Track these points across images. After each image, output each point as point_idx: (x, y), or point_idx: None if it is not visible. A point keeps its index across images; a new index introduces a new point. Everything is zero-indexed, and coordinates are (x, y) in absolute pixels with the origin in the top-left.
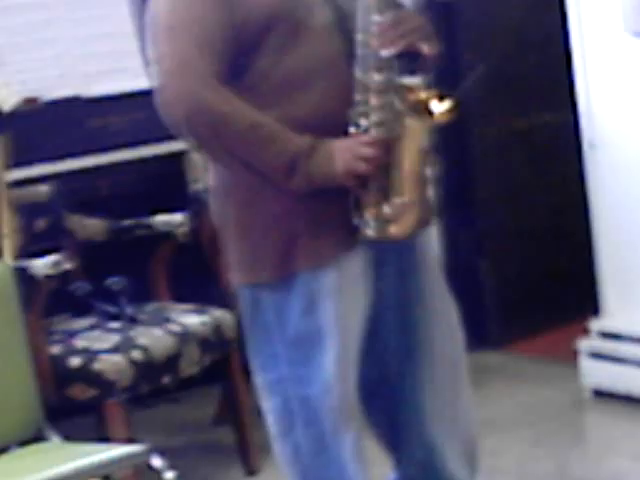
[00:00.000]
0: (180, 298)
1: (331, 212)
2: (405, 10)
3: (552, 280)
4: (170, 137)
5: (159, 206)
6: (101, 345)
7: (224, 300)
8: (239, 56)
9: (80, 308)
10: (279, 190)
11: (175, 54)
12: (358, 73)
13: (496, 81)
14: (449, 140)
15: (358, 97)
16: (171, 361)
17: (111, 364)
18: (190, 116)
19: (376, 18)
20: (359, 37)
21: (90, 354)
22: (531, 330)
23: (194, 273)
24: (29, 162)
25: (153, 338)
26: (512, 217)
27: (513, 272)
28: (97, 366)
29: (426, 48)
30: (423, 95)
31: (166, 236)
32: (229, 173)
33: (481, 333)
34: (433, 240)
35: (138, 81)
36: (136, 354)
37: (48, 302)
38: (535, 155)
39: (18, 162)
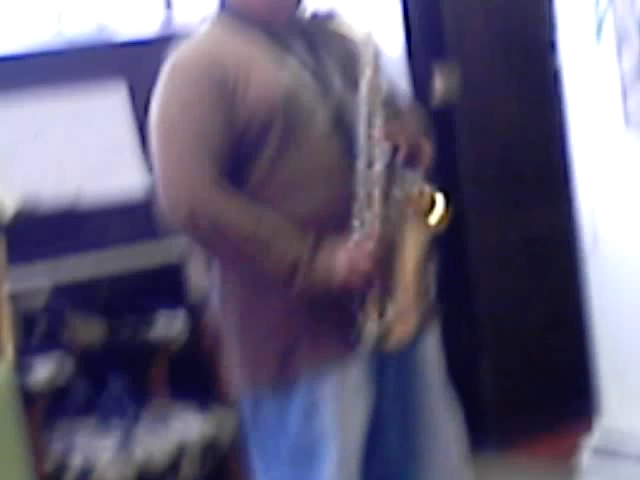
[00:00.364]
0: (181, 398)
1: (333, 319)
2: (405, 106)
3: (552, 378)
4: (170, 237)
5: (159, 306)
6: (101, 450)
7: (225, 402)
8: (240, 157)
9: (80, 410)
10: (280, 294)
11: (176, 155)
12: (360, 167)
13: (495, 180)
14: (448, 236)
15: (360, 190)
16: (171, 465)
17: (111, 471)
18: (192, 217)
19: (379, 112)
20: (361, 130)
21: (90, 460)
22: (531, 428)
23: (194, 374)
24: (28, 264)
25: (154, 441)
26: (511, 316)
27: (513, 369)
28: (97, 474)
29: (425, 145)
30: (424, 200)
31: (166, 338)
32: (230, 275)
33: (480, 432)
34: (434, 341)
35: (138, 184)
36: (136, 457)
37: (48, 403)
38: (535, 252)
39: (17, 263)
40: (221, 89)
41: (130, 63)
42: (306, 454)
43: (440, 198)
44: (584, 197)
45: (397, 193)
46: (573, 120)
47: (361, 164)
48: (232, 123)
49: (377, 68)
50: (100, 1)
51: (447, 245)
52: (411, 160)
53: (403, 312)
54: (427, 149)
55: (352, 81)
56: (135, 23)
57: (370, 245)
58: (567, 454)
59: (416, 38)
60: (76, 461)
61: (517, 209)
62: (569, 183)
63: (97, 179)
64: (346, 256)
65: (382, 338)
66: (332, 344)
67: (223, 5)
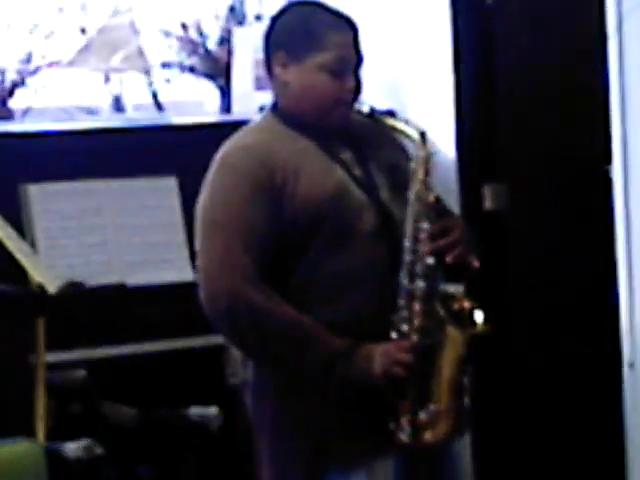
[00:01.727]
0: None
1: (365, 416)
2: (453, 219)
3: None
4: (211, 330)
5: (194, 397)
6: None
7: None
8: (284, 257)
9: None
10: (314, 392)
11: (218, 249)
12: (403, 279)
13: (539, 294)
14: (489, 350)
15: (401, 302)
16: None
17: None
18: (231, 311)
19: (425, 226)
20: (406, 243)
21: None
22: None
23: (225, 467)
24: (68, 345)
25: None
26: (546, 433)
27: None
28: None
29: (471, 260)
30: (466, 304)
31: (199, 429)
32: (267, 372)
33: None
34: (466, 448)
35: (183, 273)
36: None
37: None
38: (571, 370)
39: (57, 344)
40: (267, 187)
41: (183, 148)
42: None
43: (479, 312)
44: (625, 316)
45: (438, 308)
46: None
47: (404, 277)
48: (276, 221)
49: (428, 173)
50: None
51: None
52: (455, 273)
53: (437, 415)
54: (473, 262)
55: (400, 192)
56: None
57: (408, 345)
58: None
59: (467, 156)
60: None
61: (563, 327)
62: (617, 294)
63: (141, 269)
64: (384, 354)
65: (414, 439)
66: (363, 443)
67: (275, 106)
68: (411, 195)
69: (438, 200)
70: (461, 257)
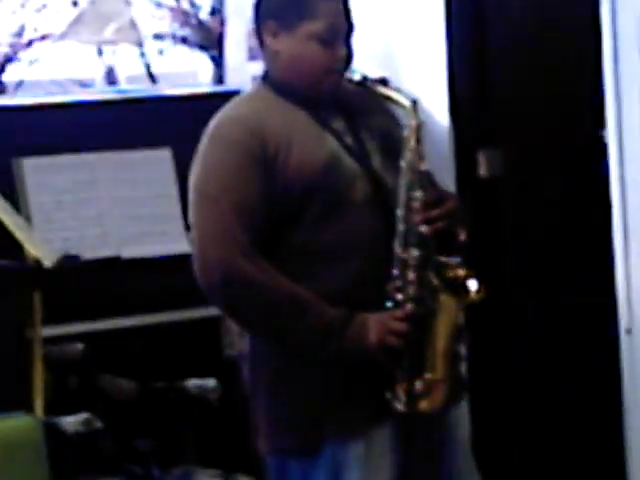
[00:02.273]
0: (208, 463)
1: (361, 385)
2: (444, 190)
3: (581, 464)
4: (207, 302)
5: (191, 369)
6: None
7: (252, 467)
8: (277, 227)
9: (107, 467)
10: (310, 362)
11: (212, 222)
12: (397, 248)
13: (532, 259)
14: (481, 318)
15: (395, 272)
16: None
17: None
18: (225, 283)
19: (418, 195)
20: (399, 212)
21: None
22: None
23: (223, 438)
24: (64, 319)
25: None
26: (543, 398)
27: (542, 458)
28: None
29: (461, 231)
30: (460, 272)
31: (197, 400)
32: (263, 343)
33: None
34: (464, 414)
35: (178, 245)
36: None
37: (76, 460)
38: (569, 337)
39: (54, 318)
40: (259, 158)
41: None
42: None
43: (473, 281)
44: (622, 281)
45: (432, 276)
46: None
47: (397, 246)
48: (269, 192)
49: (420, 142)
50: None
51: (480, 326)
52: (447, 243)
53: (433, 383)
54: (460, 235)
55: (392, 161)
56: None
57: (403, 314)
58: None
59: (462, 122)
60: None
61: (553, 289)
62: (613, 259)
63: (137, 242)
64: (378, 324)
65: (410, 407)
66: (361, 412)
67: (266, 76)
68: (403, 164)
69: (429, 174)
70: (449, 227)
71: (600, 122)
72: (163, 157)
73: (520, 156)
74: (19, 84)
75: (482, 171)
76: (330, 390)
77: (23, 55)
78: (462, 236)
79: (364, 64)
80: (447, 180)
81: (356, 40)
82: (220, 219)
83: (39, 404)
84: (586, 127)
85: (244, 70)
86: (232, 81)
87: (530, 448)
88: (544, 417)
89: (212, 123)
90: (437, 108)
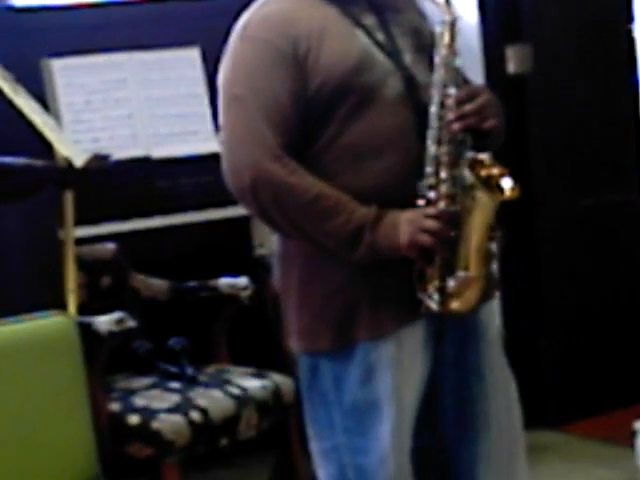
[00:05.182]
0: (240, 361)
1: (393, 283)
2: (477, 85)
3: (612, 361)
4: (237, 202)
5: (223, 269)
6: (160, 404)
7: (284, 365)
8: (307, 125)
9: (141, 366)
10: (341, 261)
11: (241, 123)
12: (430, 145)
13: (562, 157)
14: (514, 216)
15: (428, 169)
16: (229, 424)
17: (169, 424)
18: (254, 186)
19: (451, 91)
20: (432, 109)
21: (149, 413)
22: (588, 410)
23: (255, 337)
24: (96, 220)
25: (212, 400)
26: (575, 296)
27: (573, 351)
28: (155, 425)
29: (495, 126)
30: (494, 170)
31: (230, 299)
32: (293, 242)
33: (538, 411)
34: (496, 313)
35: (208, 144)
36: (195, 415)
37: (110, 359)
38: (601, 234)
39: (85, 219)
40: (290, 58)
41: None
42: (361, 419)
43: (508, 179)
44: None
45: (466, 174)
46: None
47: (430, 143)
48: (300, 91)
49: (454, 38)
50: None
51: (512, 226)
52: (481, 140)
53: (466, 282)
54: (499, 128)
55: (424, 57)
56: None
57: (435, 212)
58: (622, 435)
59: (490, 19)
60: (133, 419)
61: (584, 187)
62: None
63: (167, 141)
64: (410, 222)
65: (443, 306)
66: (392, 311)
67: None
68: (437, 60)
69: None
70: (483, 122)
71: (629, 16)
72: (192, 56)
73: (549, 52)
74: None
75: (510, 68)
76: (361, 290)
77: None
78: (495, 127)
79: None
80: (475, 78)
81: None
82: (248, 121)
83: (72, 304)
84: (616, 22)
85: None
86: None
87: (562, 346)
88: (577, 314)
89: (240, 22)
90: (465, 3)
